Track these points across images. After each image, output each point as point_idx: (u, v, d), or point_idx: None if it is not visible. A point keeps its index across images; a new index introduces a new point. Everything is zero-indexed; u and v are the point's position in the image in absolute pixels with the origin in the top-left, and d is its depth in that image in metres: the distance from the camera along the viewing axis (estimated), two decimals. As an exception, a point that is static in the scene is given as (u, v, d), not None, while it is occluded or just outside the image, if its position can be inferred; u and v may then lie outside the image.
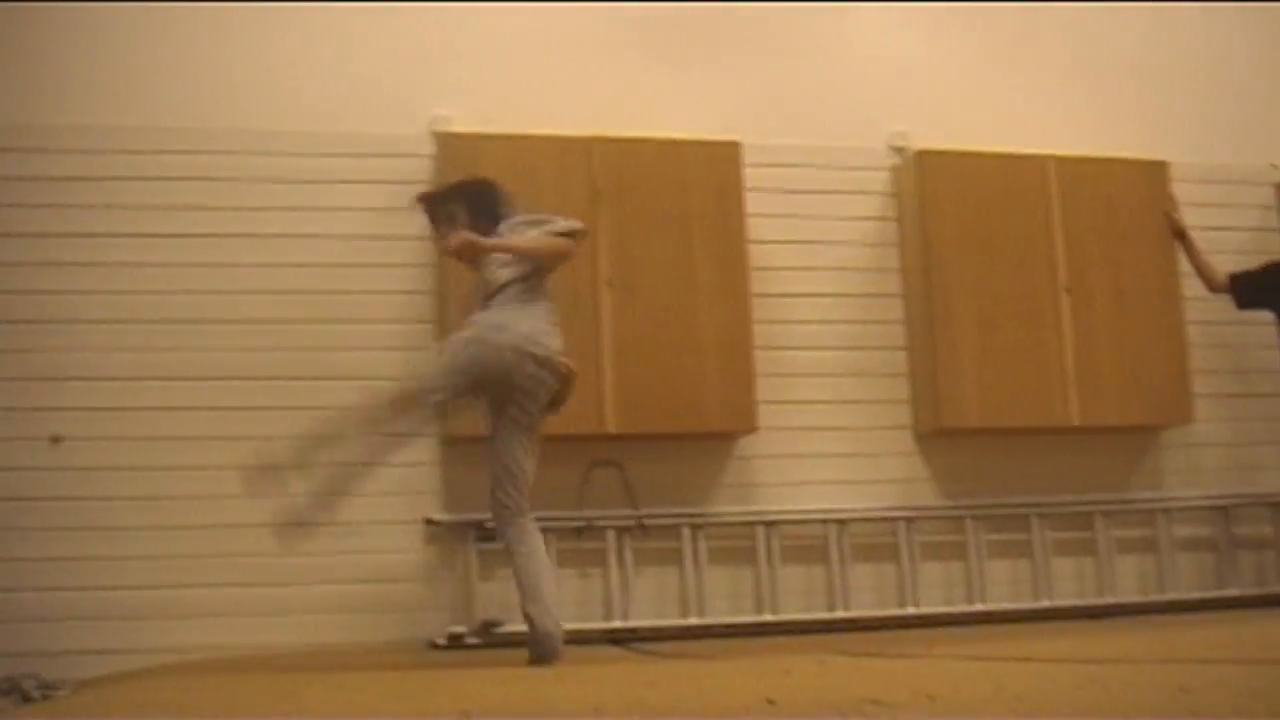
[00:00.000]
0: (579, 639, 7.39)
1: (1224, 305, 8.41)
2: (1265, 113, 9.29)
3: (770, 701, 3.51)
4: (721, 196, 7.95)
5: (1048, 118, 8.78)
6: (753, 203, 8.03)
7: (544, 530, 7.54)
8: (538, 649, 5.90)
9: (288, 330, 7.70)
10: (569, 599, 7.68)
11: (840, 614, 7.98)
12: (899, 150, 8.55)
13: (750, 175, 8.04)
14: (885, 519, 8.18)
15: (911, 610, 8.08)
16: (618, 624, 7.72)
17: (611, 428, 7.63)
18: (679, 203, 7.90)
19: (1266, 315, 8.25)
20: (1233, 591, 8.53)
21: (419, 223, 6.86)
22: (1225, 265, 8.41)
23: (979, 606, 8.17)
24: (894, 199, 8.53)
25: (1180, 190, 8.57)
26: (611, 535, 7.81)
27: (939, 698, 3.48)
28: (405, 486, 7.59)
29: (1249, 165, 9.14)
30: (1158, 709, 3.09)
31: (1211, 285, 8.38)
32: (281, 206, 7.78)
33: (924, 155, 8.34)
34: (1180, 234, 8.43)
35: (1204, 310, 8.58)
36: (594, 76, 8.26)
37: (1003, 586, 8.30)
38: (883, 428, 8.32)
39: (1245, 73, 9.29)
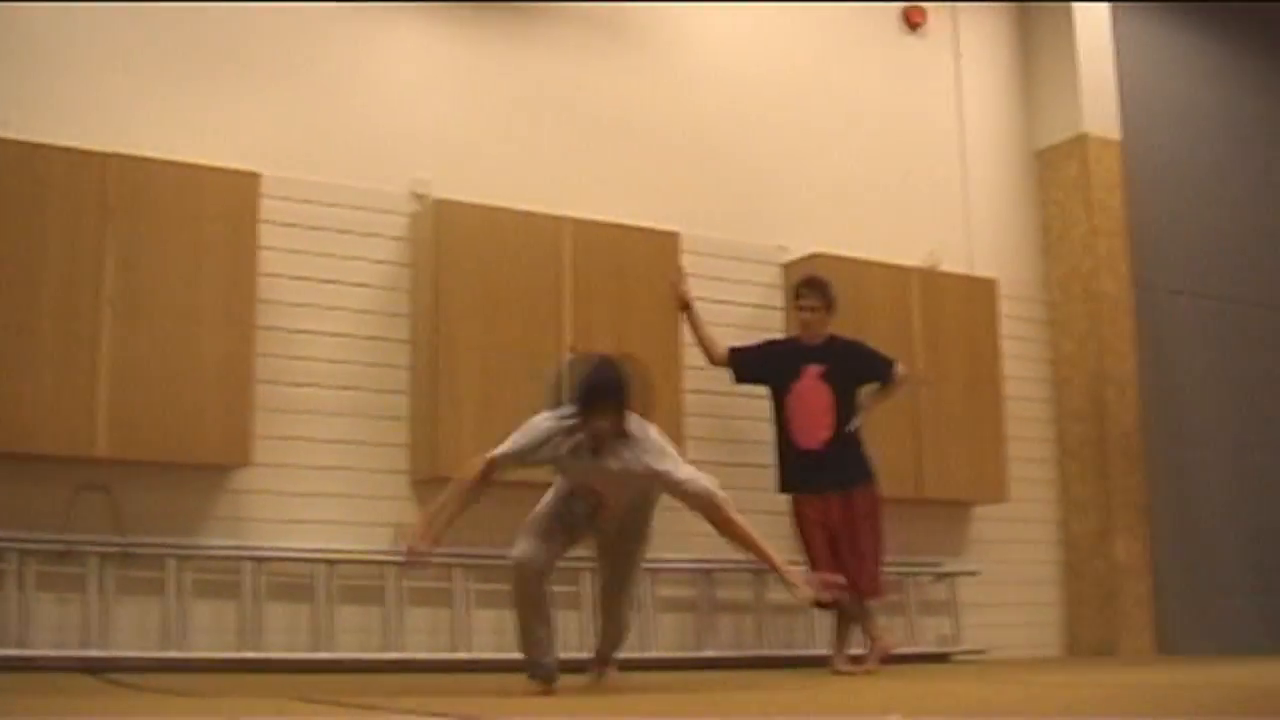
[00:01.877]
0: (52, 667, 7.23)
1: (721, 377, 8.71)
2: (777, 195, 9.71)
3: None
4: (235, 226, 7.87)
5: (568, 180, 9.00)
6: (268, 235, 7.99)
7: (23, 553, 7.39)
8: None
9: None
10: (44, 625, 7.48)
11: (323, 655, 7.95)
12: (420, 197, 8.61)
13: (268, 207, 7.99)
14: (375, 562, 8.18)
15: (394, 655, 8.10)
16: (95, 653, 7.48)
17: (102, 450, 7.44)
18: (192, 228, 7.79)
19: (761, 389, 8.57)
20: (710, 653, 8.85)
21: None
22: (728, 339, 8.73)
23: (461, 654, 8.25)
24: (410, 245, 8.59)
25: (689, 262, 8.88)
26: (94, 561, 7.58)
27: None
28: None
29: (758, 244, 9.56)
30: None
31: (712, 357, 8.65)
32: None
33: (443, 204, 8.44)
34: (685, 305, 8.67)
35: (701, 379, 8.87)
36: (116, 91, 8.05)
37: (486, 636, 8.39)
38: (380, 471, 8.35)
39: (760, 154, 9.68)
